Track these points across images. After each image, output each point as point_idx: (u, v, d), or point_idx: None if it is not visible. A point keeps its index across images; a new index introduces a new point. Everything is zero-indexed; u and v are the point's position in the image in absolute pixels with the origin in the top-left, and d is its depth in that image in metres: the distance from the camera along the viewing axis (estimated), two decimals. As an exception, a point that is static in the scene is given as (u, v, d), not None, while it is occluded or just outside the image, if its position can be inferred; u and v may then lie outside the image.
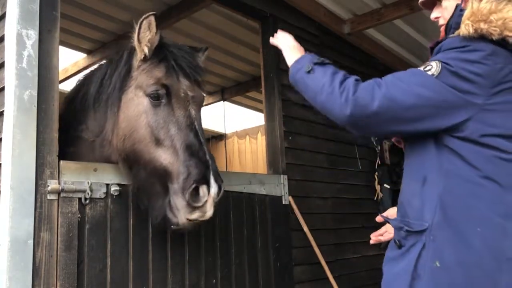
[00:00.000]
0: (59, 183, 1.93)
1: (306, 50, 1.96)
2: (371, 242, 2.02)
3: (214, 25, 4.54)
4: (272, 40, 2.07)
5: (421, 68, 1.52)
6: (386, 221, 1.72)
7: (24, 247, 1.78)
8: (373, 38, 4.68)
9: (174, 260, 2.32)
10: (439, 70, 1.47)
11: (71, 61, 5.41)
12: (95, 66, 2.52)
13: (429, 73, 1.48)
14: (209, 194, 1.95)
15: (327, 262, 3.35)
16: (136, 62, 2.18)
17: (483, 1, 1.50)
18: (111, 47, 4.86)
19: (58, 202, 1.93)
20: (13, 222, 1.76)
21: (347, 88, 1.53)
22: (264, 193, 2.93)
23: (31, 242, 1.80)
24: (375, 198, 4.40)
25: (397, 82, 1.51)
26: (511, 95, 1.46)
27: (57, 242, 1.90)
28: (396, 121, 1.50)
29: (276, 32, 2.11)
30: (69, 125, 2.29)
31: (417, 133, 1.54)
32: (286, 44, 1.99)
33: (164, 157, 2.00)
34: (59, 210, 1.93)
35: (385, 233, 1.98)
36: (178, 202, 1.95)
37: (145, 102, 2.09)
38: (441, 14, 1.70)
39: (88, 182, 2.04)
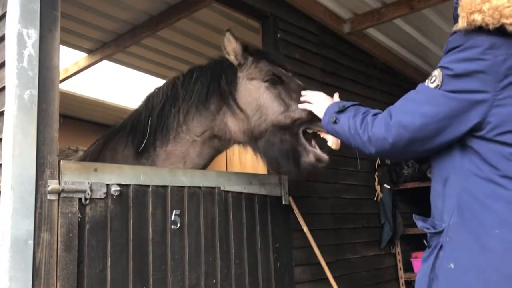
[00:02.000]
0: (59, 183, 1.93)
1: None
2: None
3: (214, 24, 4.54)
4: (303, 105, 2.35)
5: (427, 81, 1.53)
6: (415, 220, 1.72)
7: (24, 247, 1.78)
8: (373, 37, 4.68)
9: (174, 260, 2.32)
10: (441, 79, 1.47)
11: (71, 61, 5.40)
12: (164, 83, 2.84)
13: (433, 85, 1.49)
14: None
15: (327, 262, 3.35)
16: (235, 66, 2.67)
17: None
18: (112, 47, 4.86)
19: (58, 202, 1.92)
20: (13, 222, 1.76)
21: (366, 127, 1.65)
22: (264, 193, 2.92)
23: (31, 242, 1.80)
24: (375, 198, 4.41)
25: (404, 106, 1.56)
26: None
27: (57, 242, 1.89)
28: (415, 144, 1.52)
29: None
30: (166, 127, 2.66)
31: (443, 146, 1.53)
32: (316, 99, 2.23)
33: (295, 115, 2.46)
34: (59, 210, 1.92)
35: None
36: (316, 127, 2.44)
37: (264, 85, 2.58)
38: None
39: (88, 182, 2.03)
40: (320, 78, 3.97)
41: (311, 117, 2.39)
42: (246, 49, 2.70)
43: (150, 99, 2.77)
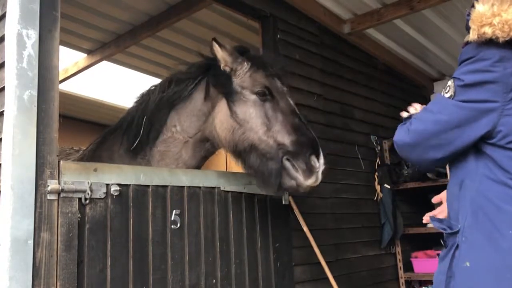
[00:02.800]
0: (59, 183, 1.93)
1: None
2: (424, 221, 2.09)
3: (214, 25, 4.54)
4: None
5: (442, 91, 1.62)
6: (431, 221, 1.79)
7: (24, 247, 1.78)
8: (373, 38, 4.68)
9: (174, 260, 2.32)
10: (453, 89, 1.56)
11: (71, 61, 5.40)
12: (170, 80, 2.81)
13: (448, 95, 1.58)
14: (320, 163, 2.38)
15: (327, 262, 3.34)
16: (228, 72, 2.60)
17: (487, 4, 1.50)
18: (111, 47, 4.86)
19: (58, 202, 1.92)
20: (13, 222, 1.76)
21: (396, 134, 1.77)
22: (264, 193, 2.93)
23: (31, 242, 1.80)
24: (375, 198, 4.41)
25: (422, 115, 1.68)
26: None
27: (57, 242, 1.89)
28: (431, 150, 1.61)
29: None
30: (160, 126, 2.66)
31: (458, 153, 1.61)
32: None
33: (278, 137, 2.40)
34: (59, 210, 1.93)
35: (440, 213, 2.03)
36: (299, 165, 2.35)
37: (253, 98, 2.50)
38: None
39: (88, 182, 2.03)
40: (320, 79, 3.97)
41: (296, 149, 2.36)
42: (244, 53, 2.64)
43: (144, 97, 2.77)
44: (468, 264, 1.47)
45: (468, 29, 1.60)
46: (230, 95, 2.53)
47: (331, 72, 4.18)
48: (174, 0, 4.09)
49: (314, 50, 3.99)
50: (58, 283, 1.87)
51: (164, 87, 2.72)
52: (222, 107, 2.55)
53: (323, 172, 2.40)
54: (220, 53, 2.58)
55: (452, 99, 1.55)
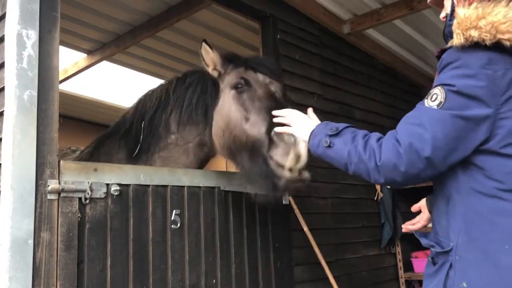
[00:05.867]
0: (59, 183, 1.93)
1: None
2: (403, 230, 2.03)
3: (214, 25, 4.55)
4: (280, 129, 2.06)
5: (427, 101, 1.48)
6: (418, 238, 1.69)
7: (24, 247, 1.78)
8: (373, 38, 4.68)
9: (174, 260, 2.32)
10: (444, 96, 1.43)
11: (71, 61, 5.41)
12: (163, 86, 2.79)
13: (435, 103, 1.45)
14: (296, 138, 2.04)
15: (327, 262, 3.35)
16: (215, 77, 2.59)
17: (471, 6, 1.46)
18: (111, 47, 4.87)
19: (58, 202, 1.93)
20: (13, 222, 1.76)
21: (372, 154, 1.53)
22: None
23: (31, 242, 1.80)
24: (375, 198, 4.41)
25: (410, 130, 1.47)
26: None
27: (57, 242, 1.90)
28: (429, 169, 1.45)
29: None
30: (159, 133, 2.63)
31: (454, 166, 1.47)
32: (294, 119, 1.99)
33: (253, 130, 2.27)
34: (59, 210, 1.93)
35: (417, 223, 1.97)
36: (277, 153, 2.13)
37: (232, 93, 2.44)
38: (445, 14, 1.68)
39: (88, 182, 2.04)
40: (319, 79, 3.98)
41: (271, 134, 2.16)
42: (229, 59, 2.60)
43: (142, 102, 2.76)
44: (465, 284, 1.39)
45: (448, 34, 1.54)
46: (218, 99, 2.53)
47: (331, 72, 4.18)
48: (174, 0, 4.10)
49: (314, 50, 3.99)
50: (58, 283, 1.87)
51: (161, 95, 2.70)
52: (215, 113, 2.53)
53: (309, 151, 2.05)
54: (210, 54, 2.56)
55: (442, 107, 1.42)
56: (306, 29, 3.93)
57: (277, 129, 2.07)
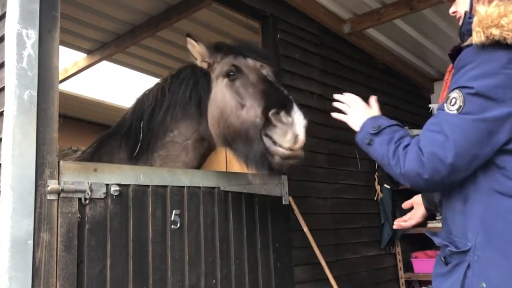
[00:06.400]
0: (59, 183, 1.93)
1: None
2: (394, 227, 2.04)
3: (214, 25, 4.55)
4: (338, 115, 1.95)
5: (446, 106, 1.46)
6: (430, 237, 1.67)
7: (24, 247, 1.78)
8: (373, 37, 4.68)
9: (174, 260, 2.32)
10: (462, 99, 1.41)
11: (71, 61, 5.40)
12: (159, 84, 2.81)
13: (455, 107, 1.42)
14: (294, 117, 2.17)
15: (327, 262, 3.35)
16: (205, 69, 2.61)
17: (492, 4, 1.43)
18: (111, 47, 4.86)
19: (58, 202, 1.92)
20: (13, 222, 1.76)
21: (398, 161, 1.54)
22: (264, 193, 2.92)
23: (31, 242, 1.80)
24: (375, 198, 4.41)
25: (432, 138, 1.46)
26: None
27: (57, 242, 1.89)
28: (453, 175, 1.43)
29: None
30: (158, 131, 2.63)
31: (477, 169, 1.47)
32: (352, 108, 1.91)
33: (249, 115, 2.29)
34: (59, 210, 1.93)
35: (410, 219, 1.97)
36: (275, 133, 2.18)
37: (225, 82, 2.45)
38: (456, 9, 1.67)
39: (88, 182, 2.03)
40: (320, 79, 3.97)
41: (267, 116, 2.21)
42: (217, 48, 2.61)
43: (140, 101, 2.77)
44: (484, 285, 1.36)
45: (465, 32, 1.51)
46: (211, 91, 2.54)
47: (331, 72, 4.18)
48: (174, 0, 4.09)
49: (314, 50, 3.99)
50: (58, 283, 1.87)
51: (158, 93, 2.71)
52: (209, 104, 2.55)
53: (305, 127, 2.18)
54: (196, 47, 2.58)
55: (462, 111, 1.39)
56: (306, 28, 3.92)
57: (333, 115, 1.98)
